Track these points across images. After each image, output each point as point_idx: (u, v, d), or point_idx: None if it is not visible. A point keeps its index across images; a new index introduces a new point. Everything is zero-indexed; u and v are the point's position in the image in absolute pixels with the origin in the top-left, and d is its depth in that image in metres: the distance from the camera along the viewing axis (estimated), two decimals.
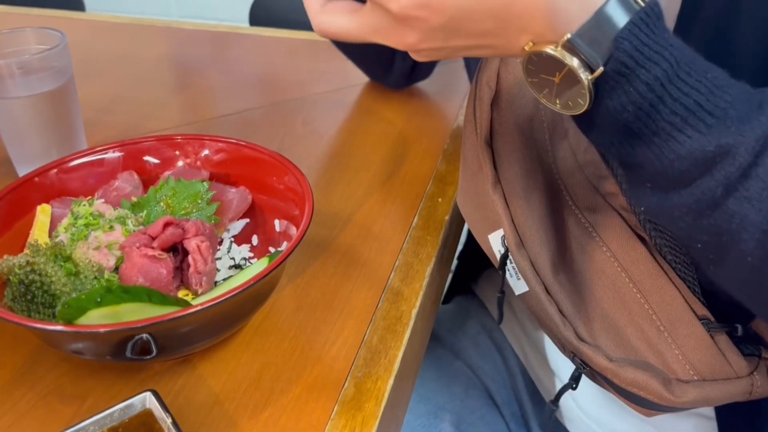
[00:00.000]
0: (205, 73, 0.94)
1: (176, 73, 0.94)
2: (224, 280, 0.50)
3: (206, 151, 0.59)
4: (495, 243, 0.51)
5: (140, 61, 0.97)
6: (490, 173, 0.50)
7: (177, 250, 0.49)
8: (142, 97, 0.86)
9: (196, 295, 0.48)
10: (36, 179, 0.53)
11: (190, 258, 0.47)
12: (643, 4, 0.35)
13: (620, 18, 0.35)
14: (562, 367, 0.65)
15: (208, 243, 0.48)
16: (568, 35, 0.35)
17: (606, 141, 0.39)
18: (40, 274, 0.44)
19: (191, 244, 0.47)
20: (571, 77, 0.36)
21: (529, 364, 0.71)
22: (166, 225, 0.48)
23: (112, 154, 0.57)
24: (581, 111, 0.37)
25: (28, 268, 0.44)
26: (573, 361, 0.49)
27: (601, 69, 0.35)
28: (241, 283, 0.42)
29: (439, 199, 0.67)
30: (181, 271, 0.49)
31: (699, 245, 0.39)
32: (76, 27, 1.09)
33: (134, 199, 0.54)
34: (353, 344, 0.50)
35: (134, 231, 0.49)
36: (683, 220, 0.39)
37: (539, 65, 0.37)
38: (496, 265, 0.53)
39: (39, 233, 0.49)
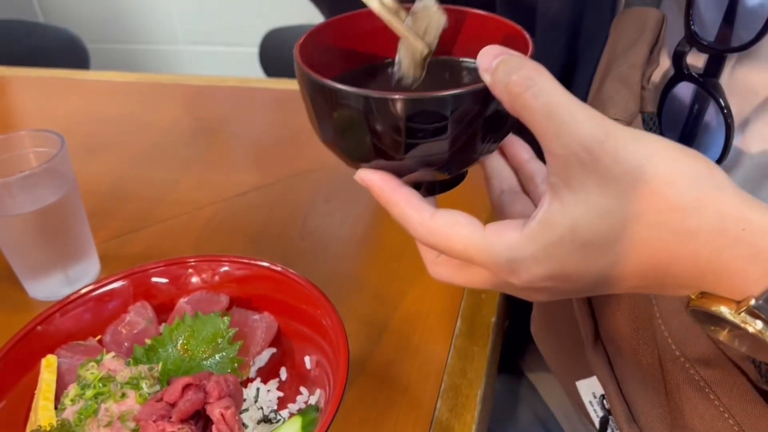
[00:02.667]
0: (216, 140, 0.88)
1: (187, 143, 0.88)
2: None
3: (225, 268, 0.53)
4: (586, 394, 0.45)
5: (148, 129, 0.91)
6: (590, 328, 0.43)
7: (198, 414, 0.43)
8: (152, 175, 0.81)
9: None
10: (39, 328, 0.48)
11: (214, 429, 0.42)
12: None
13: None
14: None
15: (233, 409, 0.42)
16: (753, 302, 0.29)
17: None
18: None
19: (215, 412, 0.42)
20: (757, 339, 0.30)
21: None
22: (186, 388, 0.43)
23: (120, 284, 0.52)
24: None
25: None
26: None
27: None
28: None
29: (483, 296, 0.60)
30: None
31: None
32: (79, 89, 1.03)
33: (148, 342, 0.49)
34: None
35: (150, 395, 0.44)
36: None
37: (710, 317, 0.31)
38: (585, 414, 0.46)
39: (43, 402, 0.44)
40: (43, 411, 0.43)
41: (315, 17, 0.71)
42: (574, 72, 0.57)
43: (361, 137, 0.32)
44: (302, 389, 0.48)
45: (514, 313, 0.76)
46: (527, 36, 0.34)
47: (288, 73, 1.03)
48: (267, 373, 0.51)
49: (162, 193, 0.77)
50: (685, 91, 0.45)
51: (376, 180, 0.34)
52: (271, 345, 0.51)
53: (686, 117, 0.46)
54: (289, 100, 0.96)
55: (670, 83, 0.45)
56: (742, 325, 0.29)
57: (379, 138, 0.32)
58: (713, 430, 0.40)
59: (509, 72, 0.29)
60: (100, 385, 0.43)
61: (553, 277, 0.30)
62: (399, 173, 0.34)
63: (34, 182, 0.57)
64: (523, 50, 0.32)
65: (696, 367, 0.40)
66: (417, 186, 0.36)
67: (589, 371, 0.49)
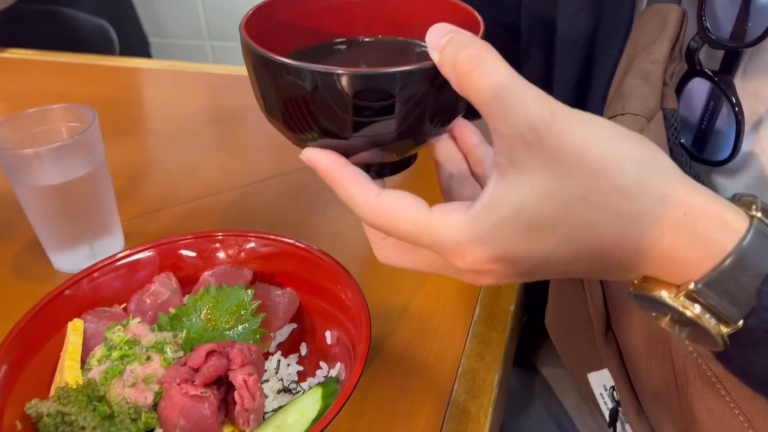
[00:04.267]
0: (240, 127, 0.89)
1: (211, 129, 0.89)
2: (273, 410, 0.45)
3: (251, 245, 0.54)
4: (597, 386, 0.45)
5: (173, 116, 0.92)
6: (602, 319, 0.43)
7: (221, 380, 0.44)
8: (176, 159, 0.82)
9: None
10: (67, 292, 0.49)
11: (236, 394, 0.42)
12: None
13: (763, 262, 0.28)
14: None
15: (255, 376, 0.43)
16: (692, 286, 0.29)
17: (744, 377, 0.34)
18: (71, 425, 0.39)
19: (237, 378, 0.42)
20: (696, 324, 0.30)
21: None
22: (209, 354, 0.43)
23: (147, 254, 0.53)
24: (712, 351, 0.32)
25: (59, 419, 0.39)
26: None
27: (739, 324, 0.29)
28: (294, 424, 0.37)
29: (501, 285, 0.61)
30: (226, 403, 0.44)
31: None
32: (105, 75, 1.05)
33: (172, 310, 0.49)
34: None
35: (174, 360, 0.44)
36: None
37: (653, 303, 0.31)
38: (597, 407, 0.46)
39: (70, 362, 0.44)
40: (69, 370, 0.44)
41: None
42: (592, 75, 0.57)
43: (306, 114, 0.31)
44: (322, 364, 0.49)
45: (530, 309, 0.76)
46: (479, 18, 0.34)
47: None
48: (288, 348, 0.51)
49: (185, 176, 0.78)
50: (700, 88, 0.46)
51: (322, 159, 0.33)
52: (292, 320, 0.52)
53: (701, 114, 0.47)
54: None
55: (684, 79, 0.45)
56: (681, 309, 0.29)
57: (325, 115, 0.31)
58: (722, 424, 0.40)
59: (457, 50, 0.28)
60: (126, 347, 0.44)
61: (498, 260, 0.30)
62: (346, 153, 0.33)
63: (64, 154, 0.59)
64: (475, 32, 0.32)
65: (708, 363, 0.40)
66: (366, 168, 0.35)
67: (601, 364, 0.49)
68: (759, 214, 0.29)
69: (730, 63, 0.42)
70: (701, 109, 0.46)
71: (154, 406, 0.43)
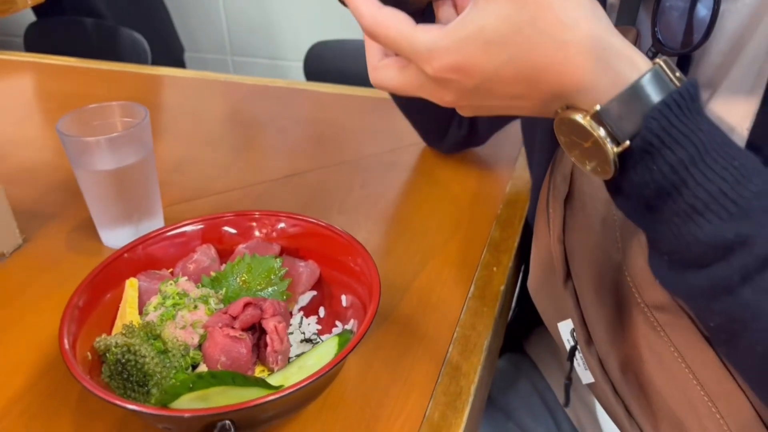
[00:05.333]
0: (264, 132, 0.99)
1: (238, 133, 0.99)
2: (296, 356, 0.54)
3: (282, 225, 0.63)
4: (564, 332, 0.54)
5: (205, 120, 1.02)
6: (562, 270, 0.52)
7: (255, 328, 0.53)
8: (208, 158, 0.91)
9: (271, 371, 0.52)
10: (125, 255, 0.58)
11: (267, 338, 0.51)
12: (679, 84, 0.37)
13: (653, 96, 0.36)
14: None
15: (284, 323, 0.52)
16: (597, 107, 0.37)
17: (630, 210, 0.41)
18: (135, 354, 0.48)
19: (269, 324, 0.51)
20: (598, 146, 0.38)
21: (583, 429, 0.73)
22: (246, 305, 0.52)
23: (193, 227, 0.62)
24: (607, 178, 0.39)
25: (125, 348, 0.48)
26: None
27: (626, 144, 0.37)
28: (315, 366, 0.45)
29: (494, 269, 0.70)
30: (258, 347, 0.53)
31: (711, 325, 0.40)
32: (143, 81, 1.15)
33: (213, 273, 0.58)
34: (416, 420, 0.53)
35: (216, 310, 0.53)
36: (697, 300, 0.40)
37: (570, 128, 0.39)
38: (564, 352, 0.55)
39: (130, 309, 0.53)
40: (130, 315, 0.53)
41: (357, 33, 0.82)
42: None
43: None
44: (337, 323, 0.58)
45: (520, 303, 0.85)
46: None
47: (329, 80, 1.14)
48: (308, 311, 0.60)
49: (217, 172, 0.88)
50: None
51: None
52: (313, 288, 0.61)
53: None
54: (329, 101, 1.07)
55: None
56: (589, 129, 0.37)
57: None
58: (661, 362, 0.49)
59: None
60: (177, 297, 0.53)
61: (458, 69, 0.38)
62: None
63: (119, 144, 0.68)
64: None
65: (653, 312, 0.49)
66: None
67: (567, 315, 0.56)
68: (661, 63, 0.37)
69: (682, 69, 0.50)
70: None
71: (199, 347, 0.52)
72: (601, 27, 0.37)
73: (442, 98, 0.41)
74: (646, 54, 0.52)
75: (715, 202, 0.36)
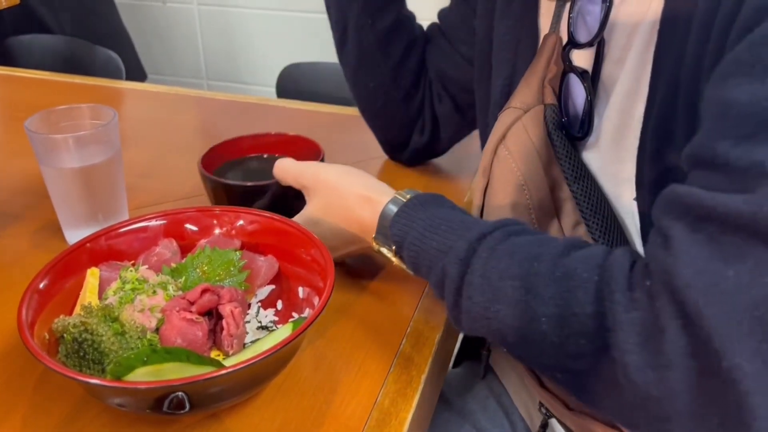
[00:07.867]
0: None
1: (207, 143, 1.00)
2: (252, 342, 0.55)
3: (241, 222, 0.65)
4: None
5: (175, 130, 1.05)
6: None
7: (212, 314, 0.54)
8: (177, 164, 0.94)
9: (227, 355, 0.53)
10: (88, 245, 0.59)
11: (223, 322, 0.53)
12: (405, 199, 0.56)
13: (387, 220, 0.56)
14: None
15: (240, 309, 0.53)
16: (373, 235, 0.59)
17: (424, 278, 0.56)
18: (91, 333, 0.49)
19: (225, 309, 0.53)
20: (386, 257, 0.59)
21: (536, 428, 0.75)
22: (204, 291, 0.54)
23: (156, 222, 0.63)
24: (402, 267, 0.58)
25: (82, 328, 0.49)
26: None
27: (393, 248, 0.57)
28: (268, 348, 0.47)
29: None
30: (214, 333, 0.54)
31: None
32: (119, 95, 1.18)
33: (173, 265, 0.60)
34: (366, 405, 0.55)
35: (174, 296, 0.55)
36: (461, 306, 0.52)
37: (379, 251, 0.60)
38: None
39: (90, 295, 0.55)
40: (89, 299, 0.54)
41: (327, 55, 0.87)
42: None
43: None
44: (294, 314, 0.60)
45: None
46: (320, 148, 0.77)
47: (301, 99, 1.17)
48: (266, 304, 0.62)
49: (182, 177, 0.90)
50: (577, 84, 0.60)
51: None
52: (272, 283, 0.63)
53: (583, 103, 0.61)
54: (299, 116, 1.10)
55: (562, 76, 0.61)
56: (377, 249, 0.59)
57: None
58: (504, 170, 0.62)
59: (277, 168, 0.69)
60: (137, 282, 0.54)
61: (310, 224, 0.63)
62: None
63: (86, 142, 0.70)
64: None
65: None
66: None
67: None
68: (404, 195, 0.57)
69: (597, 61, 0.58)
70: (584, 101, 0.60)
71: (156, 330, 0.53)
72: (370, 190, 0.61)
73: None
74: (564, 50, 0.59)
75: (437, 254, 0.52)
